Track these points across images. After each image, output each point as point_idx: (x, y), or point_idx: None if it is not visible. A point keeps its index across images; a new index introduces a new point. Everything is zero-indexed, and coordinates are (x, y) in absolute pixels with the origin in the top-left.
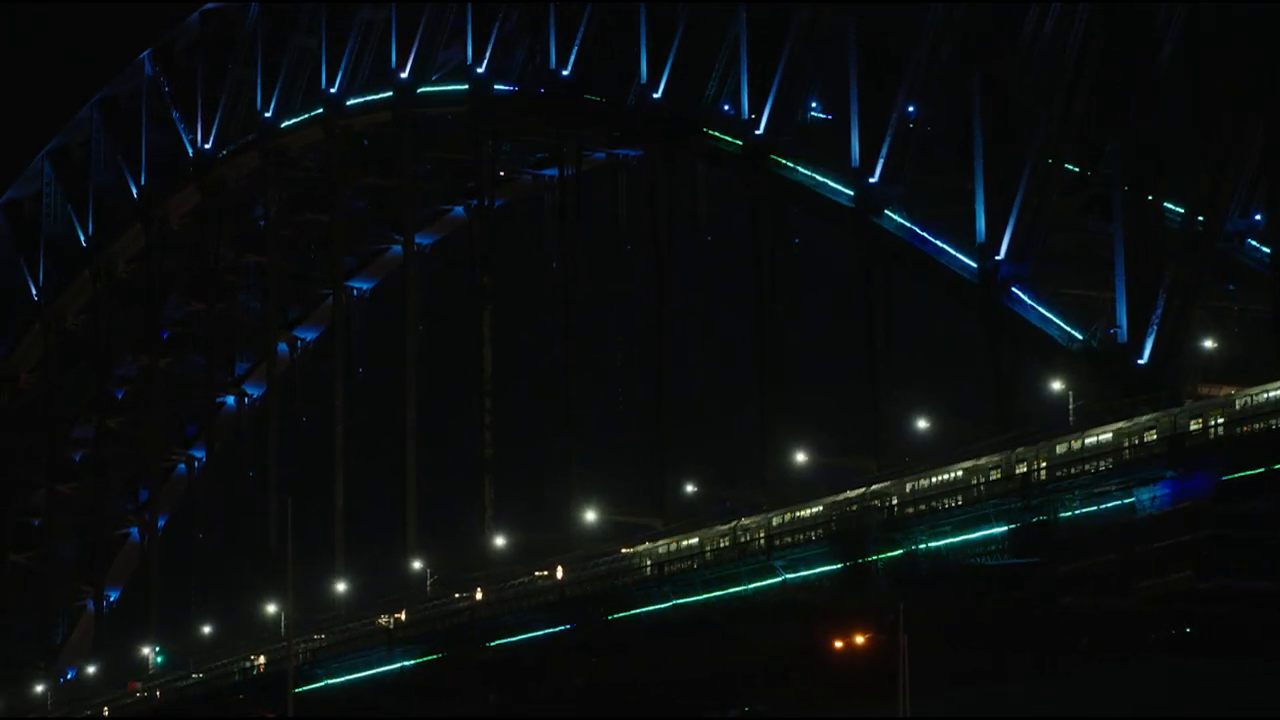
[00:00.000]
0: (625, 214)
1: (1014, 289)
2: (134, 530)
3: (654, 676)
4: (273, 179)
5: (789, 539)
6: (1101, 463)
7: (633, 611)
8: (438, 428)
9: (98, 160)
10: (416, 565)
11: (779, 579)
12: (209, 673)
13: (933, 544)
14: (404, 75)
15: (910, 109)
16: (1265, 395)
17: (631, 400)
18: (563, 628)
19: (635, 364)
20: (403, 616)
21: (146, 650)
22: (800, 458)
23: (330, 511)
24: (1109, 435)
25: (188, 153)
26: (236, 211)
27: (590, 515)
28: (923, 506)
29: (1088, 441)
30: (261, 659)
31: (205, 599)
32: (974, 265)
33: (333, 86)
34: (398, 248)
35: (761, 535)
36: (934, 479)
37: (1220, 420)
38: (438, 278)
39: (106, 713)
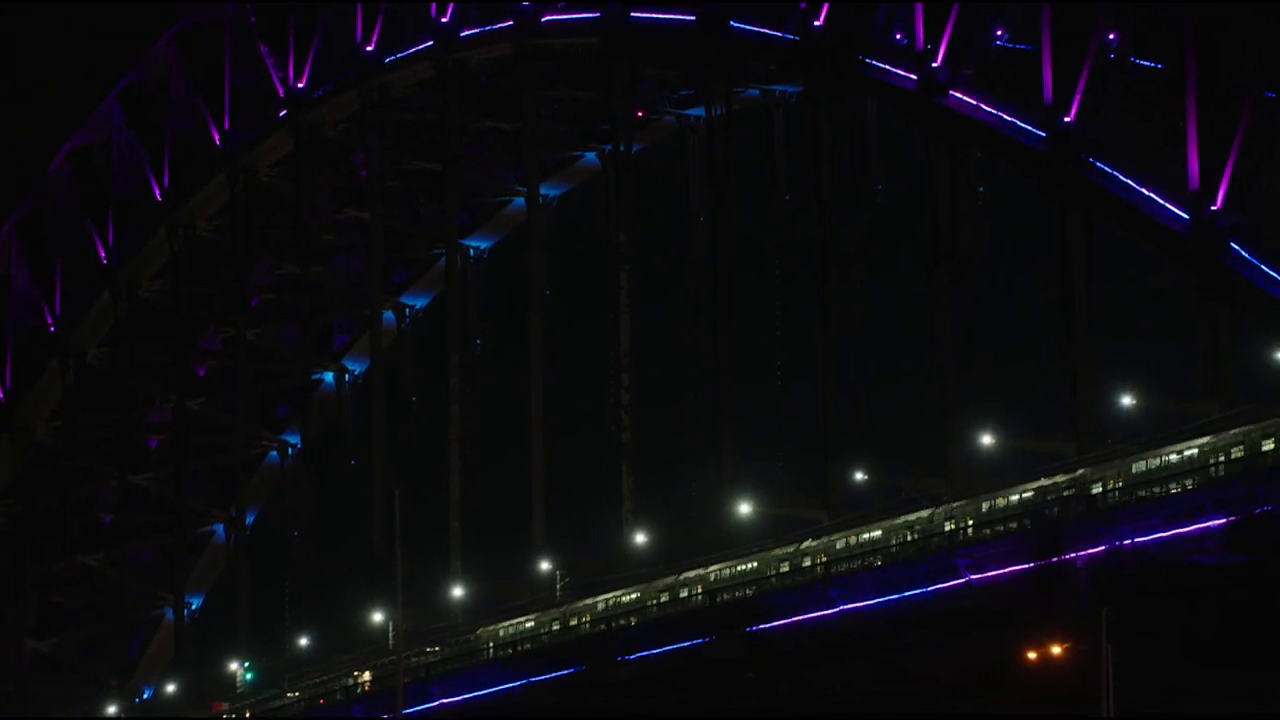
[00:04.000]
0: (782, 160)
1: (1233, 243)
2: (219, 528)
3: (816, 694)
4: (376, 123)
5: (974, 534)
6: None
7: (791, 620)
8: (567, 408)
9: (175, 102)
10: (544, 566)
11: (962, 580)
12: (306, 691)
13: (1140, 539)
14: (526, 2)
15: (1111, 36)
16: None
17: (791, 376)
18: (709, 639)
19: (795, 333)
20: (530, 625)
21: (234, 666)
22: (986, 441)
23: (444, 505)
24: None
25: (278, 93)
26: (334, 160)
27: (744, 508)
28: (1128, 496)
29: None
30: (367, 675)
31: (301, 607)
32: (1186, 217)
33: (444, 15)
34: (520, 200)
35: (956, 526)
36: (1142, 464)
37: None
38: (566, 235)
39: None
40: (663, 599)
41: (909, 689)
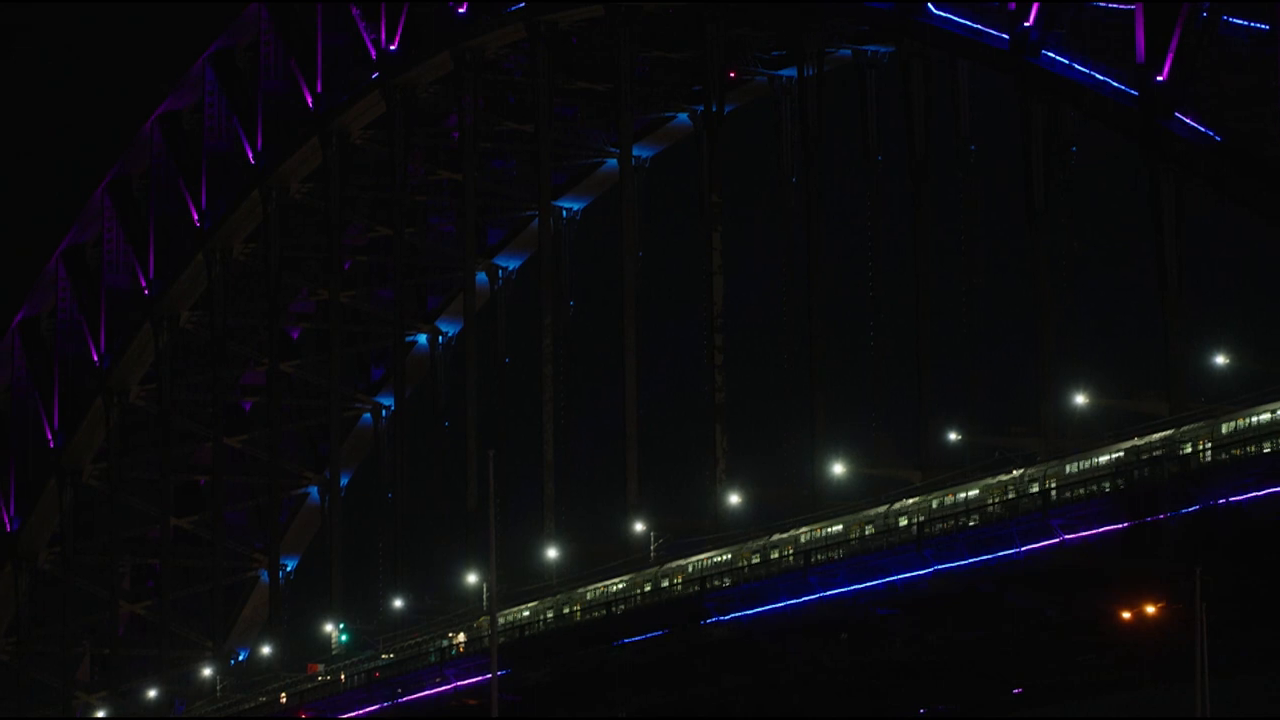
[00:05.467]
0: (875, 120)
1: None
2: (313, 490)
3: (910, 655)
4: (469, 84)
5: (1068, 494)
6: None
7: (884, 580)
8: (661, 369)
9: (267, 65)
10: (638, 527)
11: (1056, 540)
12: (401, 653)
13: (1236, 499)
14: None
15: None
16: None
17: (884, 335)
18: (804, 599)
19: (888, 292)
20: (623, 586)
21: (329, 627)
22: (1080, 400)
23: (538, 467)
24: None
25: (370, 56)
26: (427, 122)
27: (838, 468)
28: (1224, 455)
29: None
30: (461, 637)
31: (395, 568)
32: None
33: None
34: (613, 161)
35: (1050, 486)
36: (1237, 423)
37: None
38: (659, 196)
39: (284, 699)
40: (754, 560)
41: (1000, 650)
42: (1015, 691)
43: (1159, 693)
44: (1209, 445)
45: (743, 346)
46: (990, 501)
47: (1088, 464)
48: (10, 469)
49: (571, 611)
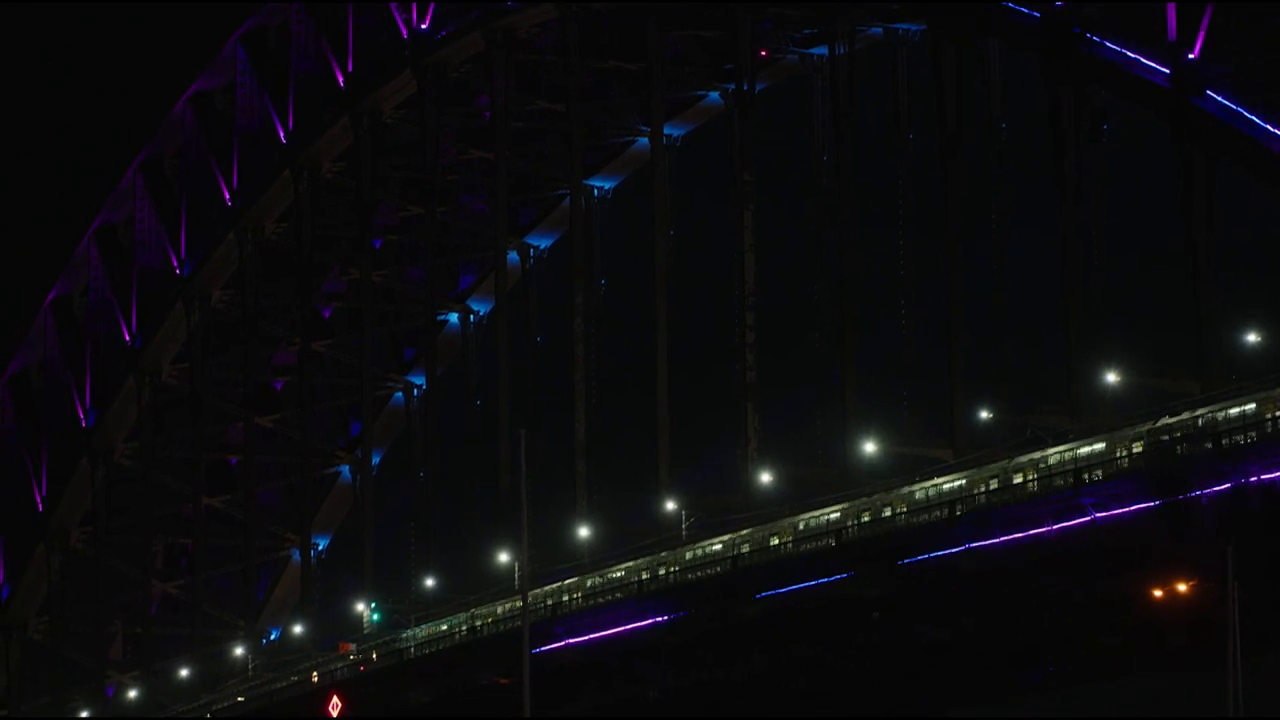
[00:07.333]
0: (906, 99)
1: None
2: (345, 469)
3: (942, 632)
4: (500, 63)
5: (1099, 472)
6: None
7: (919, 558)
8: (692, 348)
9: (298, 44)
10: (670, 505)
11: (1087, 518)
12: (432, 632)
13: (1268, 477)
14: None
15: None
16: None
17: (916, 312)
18: (839, 577)
19: (919, 269)
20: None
21: (360, 606)
22: (1111, 378)
23: (569, 446)
24: None
25: (401, 35)
26: (458, 101)
27: (869, 447)
28: (1254, 434)
29: None
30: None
31: (427, 547)
32: None
33: None
34: (644, 140)
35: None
36: (1268, 401)
37: None
38: (690, 174)
39: (315, 678)
40: (788, 538)
41: (1037, 622)
42: (1049, 670)
43: (1189, 673)
44: (1241, 423)
45: (774, 325)
46: (1017, 481)
47: (1120, 442)
48: (42, 448)
49: (603, 591)
